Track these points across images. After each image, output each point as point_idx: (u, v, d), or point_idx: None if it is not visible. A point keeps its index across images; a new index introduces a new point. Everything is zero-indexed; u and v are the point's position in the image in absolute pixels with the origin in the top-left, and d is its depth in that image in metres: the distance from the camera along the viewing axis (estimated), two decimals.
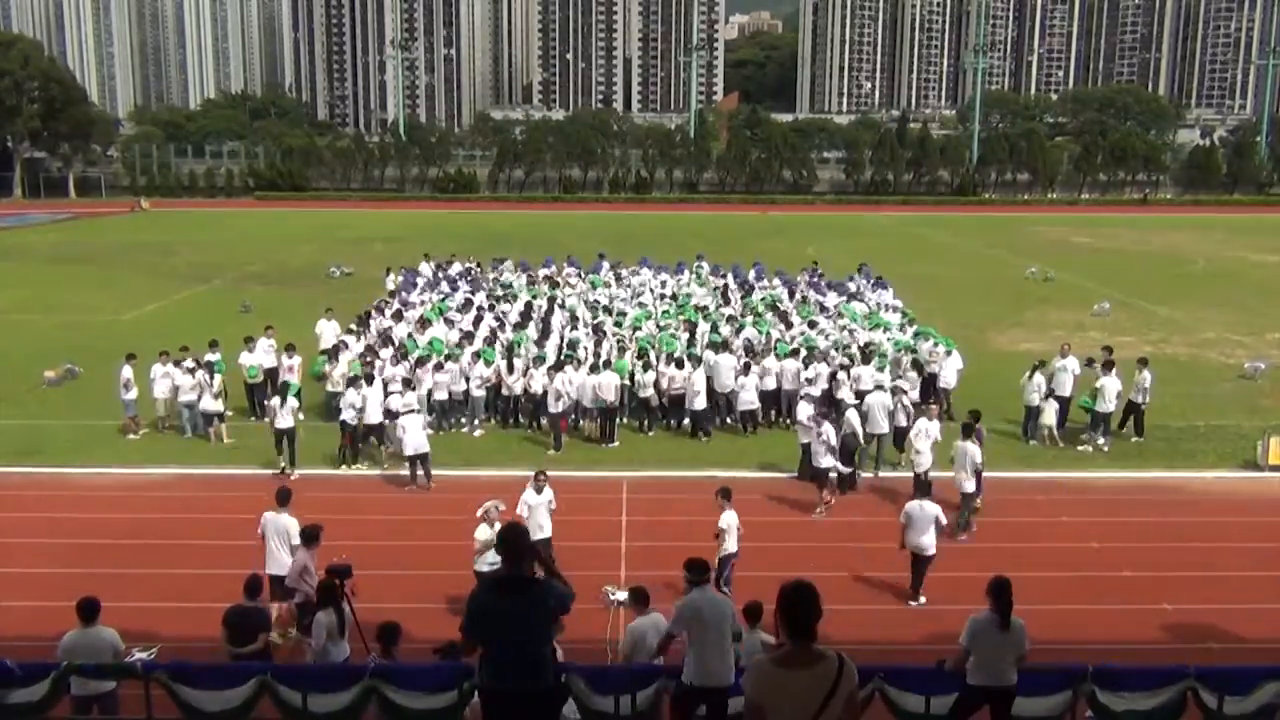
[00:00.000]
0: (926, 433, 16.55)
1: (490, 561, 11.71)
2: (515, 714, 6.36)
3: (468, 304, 26.81)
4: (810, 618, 5.02)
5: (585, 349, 21.93)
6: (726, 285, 30.55)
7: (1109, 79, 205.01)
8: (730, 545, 12.66)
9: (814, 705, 4.93)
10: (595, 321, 24.75)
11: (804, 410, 17.54)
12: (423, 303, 27.48)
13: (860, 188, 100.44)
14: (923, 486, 13.90)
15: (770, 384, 20.71)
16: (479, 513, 12.23)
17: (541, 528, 12.87)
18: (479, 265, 35.48)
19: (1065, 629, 12.22)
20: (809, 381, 19.87)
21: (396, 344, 22.08)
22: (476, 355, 21.02)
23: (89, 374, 24.80)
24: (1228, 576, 13.89)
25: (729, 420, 21.16)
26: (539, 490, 13.23)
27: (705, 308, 26.92)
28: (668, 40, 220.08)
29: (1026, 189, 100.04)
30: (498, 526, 11.62)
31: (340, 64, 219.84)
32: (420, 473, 17.27)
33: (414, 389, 19.50)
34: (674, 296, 28.97)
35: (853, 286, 30.84)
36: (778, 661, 5.04)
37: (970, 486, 15.23)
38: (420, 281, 31.64)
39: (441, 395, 20.38)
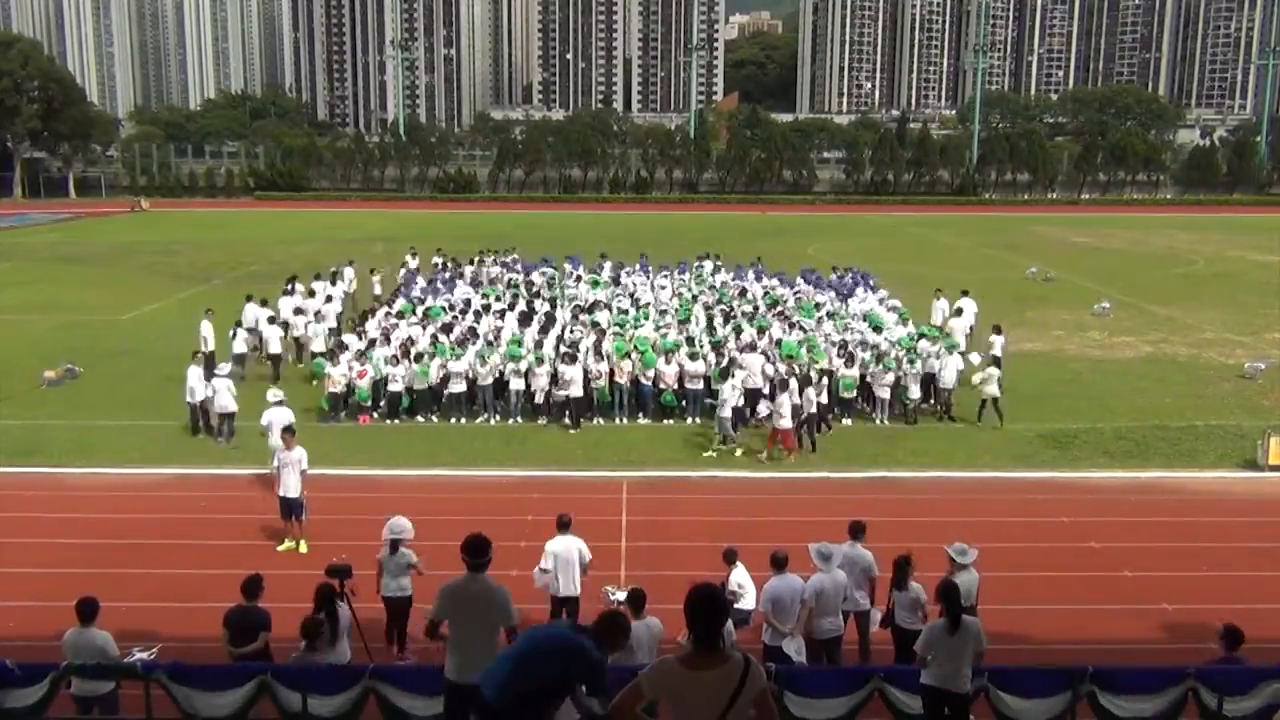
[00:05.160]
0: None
1: (398, 588, 11.29)
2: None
3: (467, 304, 26.88)
4: (715, 622, 5.14)
5: (585, 348, 21.98)
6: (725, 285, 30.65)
7: (1109, 79, 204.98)
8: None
9: (720, 705, 5.04)
10: (593, 320, 24.82)
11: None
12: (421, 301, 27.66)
13: (860, 188, 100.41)
14: None
15: (753, 383, 20.58)
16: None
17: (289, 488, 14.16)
18: (455, 260, 35.97)
19: (1065, 629, 12.23)
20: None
21: (396, 344, 22.16)
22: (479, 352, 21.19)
23: (89, 374, 24.81)
24: (1228, 576, 13.89)
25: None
26: (289, 448, 14.27)
27: (710, 305, 27.11)
28: (668, 40, 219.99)
29: (1026, 189, 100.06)
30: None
31: (340, 64, 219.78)
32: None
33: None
34: (676, 295, 29.08)
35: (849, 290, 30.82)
36: (684, 662, 5.14)
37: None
38: (421, 281, 31.66)
39: (459, 387, 20.91)
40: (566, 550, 11.17)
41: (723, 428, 19.14)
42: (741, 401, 19.82)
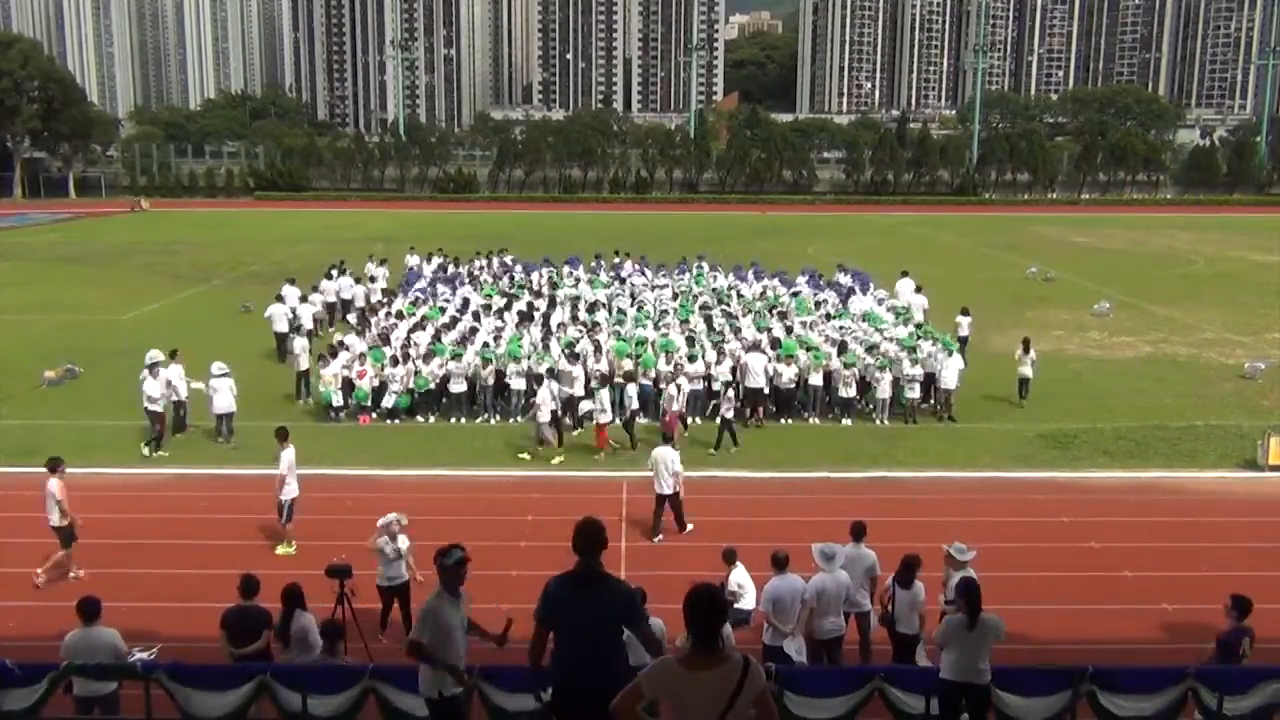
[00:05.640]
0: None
1: (389, 576, 11.64)
2: (583, 713, 6.40)
3: (466, 304, 26.92)
4: (715, 622, 5.18)
5: (583, 348, 21.99)
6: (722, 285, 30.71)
7: (1109, 79, 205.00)
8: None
9: (720, 705, 5.08)
10: (593, 320, 24.83)
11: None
12: (417, 301, 27.78)
13: (860, 188, 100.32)
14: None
15: (753, 382, 20.65)
16: (380, 524, 11.73)
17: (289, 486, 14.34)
18: (456, 259, 36.30)
19: (1065, 629, 12.23)
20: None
21: (397, 345, 22.20)
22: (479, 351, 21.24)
23: (89, 374, 24.81)
24: (1228, 576, 13.84)
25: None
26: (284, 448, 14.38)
27: (709, 305, 27.11)
28: (668, 40, 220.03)
29: (1026, 189, 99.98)
30: (401, 540, 11.61)
31: (340, 64, 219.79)
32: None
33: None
34: (675, 295, 29.07)
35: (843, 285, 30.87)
36: (683, 662, 5.18)
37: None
38: (418, 281, 31.71)
39: (459, 387, 20.97)
40: (663, 458, 14.75)
41: (539, 432, 18.90)
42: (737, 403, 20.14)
